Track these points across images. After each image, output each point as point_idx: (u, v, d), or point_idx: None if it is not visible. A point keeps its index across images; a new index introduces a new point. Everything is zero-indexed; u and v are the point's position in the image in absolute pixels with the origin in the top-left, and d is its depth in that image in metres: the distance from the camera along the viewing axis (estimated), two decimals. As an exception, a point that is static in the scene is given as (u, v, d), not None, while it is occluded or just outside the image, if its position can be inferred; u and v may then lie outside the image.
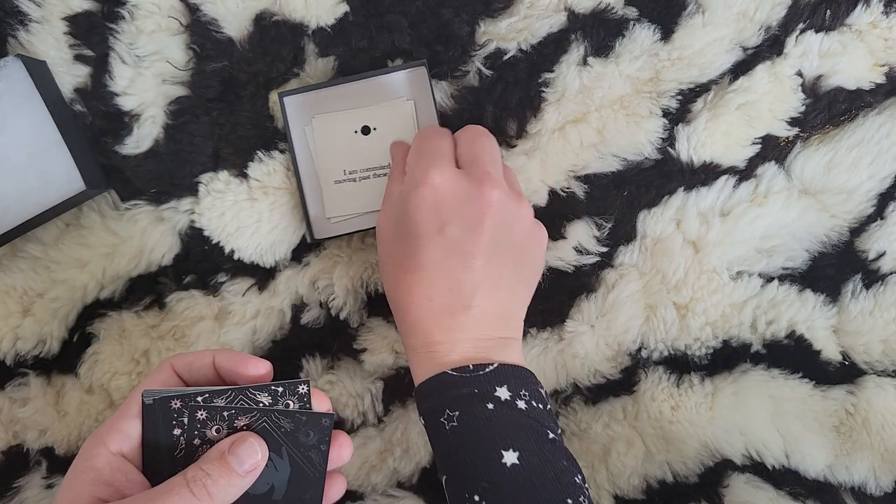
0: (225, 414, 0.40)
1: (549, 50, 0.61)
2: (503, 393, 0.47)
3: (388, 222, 0.54)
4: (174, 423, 0.40)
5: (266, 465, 0.40)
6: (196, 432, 0.40)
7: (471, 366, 0.48)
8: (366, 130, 0.61)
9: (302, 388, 0.41)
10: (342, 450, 0.44)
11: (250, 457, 0.39)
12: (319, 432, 0.41)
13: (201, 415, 0.40)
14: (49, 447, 0.63)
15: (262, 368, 0.43)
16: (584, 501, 0.44)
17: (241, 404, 0.40)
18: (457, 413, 0.46)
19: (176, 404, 0.40)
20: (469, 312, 0.50)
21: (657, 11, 0.60)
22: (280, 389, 0.41)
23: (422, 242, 0.50)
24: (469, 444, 0.46)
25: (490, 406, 0.46)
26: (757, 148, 0.61)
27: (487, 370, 0.48)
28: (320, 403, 0.43)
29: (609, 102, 0.61)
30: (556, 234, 0.62)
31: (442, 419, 0.47)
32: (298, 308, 0.63)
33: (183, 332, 0.63)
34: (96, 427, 0.63)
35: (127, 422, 0.41)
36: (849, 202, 0.61)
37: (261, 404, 0.41)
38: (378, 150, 0.61)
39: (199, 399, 0.40)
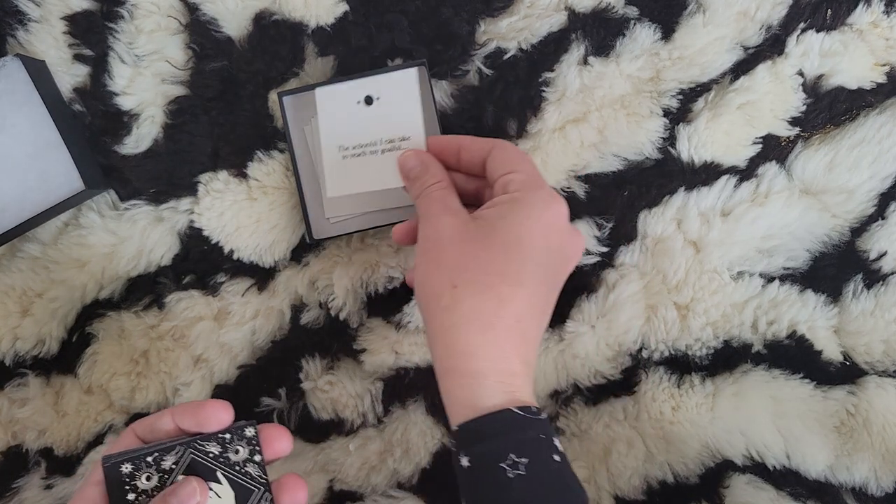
0: (149, 459, 0.40)
1: (550, 49, 0.60)
2: (559, 444, 0.43)
3: (482, 226, 0.46)
4: (126, 487, 0.39)
5: (208, 496, 0.40)
6: (127, 486, 0.39)
7: (533, 407, 0.43)
8: (369, 100, 0.58)
9: (249, 431, 0.41)
10: (277, 443, 0.42)
11: (189, 496, 0.39)
12: (248, 444, 0.41)
13: (126, 468, 0.39)
14: (48, 448, 0.63)
15: (223, 415, 0.41)
16: None
17: (190, 456, 0.40)
18: (525, 461, 0.40)
19: (126, 468, 0.39)
20: (537, 343, 0.46)
21: (658, 11, 0.60)
22: (228, 436, 0.41)
23: (530, 256, 0.45)
24: (540, 497, 0.40)
25: (556, 458, 0.41)
26: (758, 148, 0.61)
27: (543, 416, 0.43)
28: (277, 438, 0.42)
29: (610, 102, 0.61)
30: (556, 234, 0.62)
31: (503, 464, 0.40)
32: (298, 308, 0.63)
33: (182, 332, 0.63)
34: (95, 427, 0.63)
35: (91, 488, 0.40)
36: (850, 202, 0.61)
37: (210, 454, 0.40)
38: (381, 122, 0.58)
39: (149, 458, 0.40)
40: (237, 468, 0.41)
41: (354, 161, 0.58)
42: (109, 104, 0.61)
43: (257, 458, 0.41)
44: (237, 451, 0.41)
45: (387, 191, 0.58)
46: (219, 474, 0.40)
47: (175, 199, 0.62)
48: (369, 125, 0.58)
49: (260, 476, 0.41)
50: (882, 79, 0.60)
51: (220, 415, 0.41)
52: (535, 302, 0.46)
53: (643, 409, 0.62)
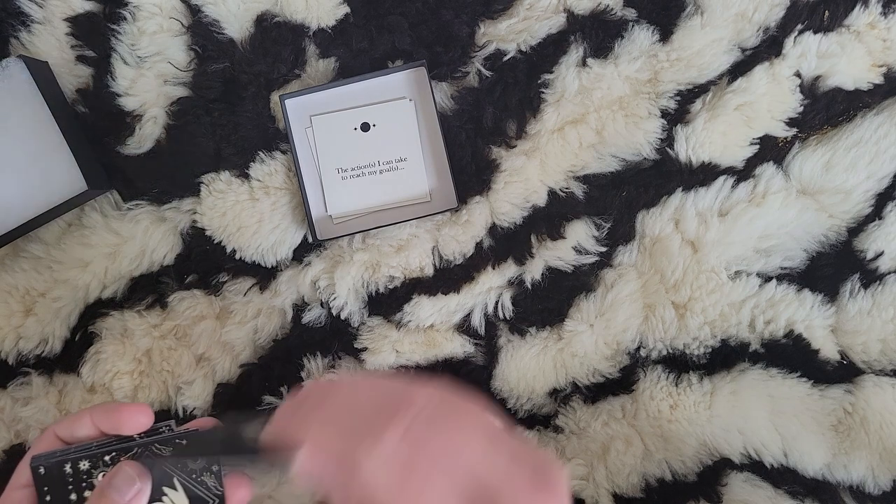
0: (107, 458, 0.38)
1: (549, 51, 0.61)
2: None
3: None
4: (69, 487, 0.38)
5: (162, 500, 0.38)
6: (84, 484, 0.38)
7: None
8: (365, 127, 0.61)
9: (170, 426, 0.40)
10: (238, 491, 0.39)
11: (128, 484, 0.37)
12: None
13: (84, 465, 0.38)
14: (51, 446, 0.63)
15: (141, 418, 0.38)
16: None
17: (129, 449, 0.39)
18: None
19: (68, 468, 0.38)
20: None
21: (656, 13, 0.61)
22: (185, 441, 0.39)
23: None
24: None
25: None
26: (755, 148, 0.61)
27: None
28: (238, 487, 0.39)
29: (608, 103, 0.61)
30: (555, 234, 0.62)
31: None
32: (300, 307, 0.63)
33: (185, 331, 0.63)
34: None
35: (17, 492, 0.38)
36: (847, 202, 0.61)
37: (168, 459, 0.39)
38: (378, 146, 0.61)
39: (107, 457, 0.38)
40: (194, 476, 0.39)
41: (354, 182, 0.61)
42: (112, 105, 0.61)
43: (215, 468, 0.39)
44: (195, 459, 0.39)
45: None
46: (175, 480, 0.39)
47: (177, 199, 0.62)
48: (367, 149, 0.61)
49: (216, 487, 0.39)
50: (879, 80, 0.60)
51: (138, 418, 0.39)
52: None
53: (641, 408, 0.62)
